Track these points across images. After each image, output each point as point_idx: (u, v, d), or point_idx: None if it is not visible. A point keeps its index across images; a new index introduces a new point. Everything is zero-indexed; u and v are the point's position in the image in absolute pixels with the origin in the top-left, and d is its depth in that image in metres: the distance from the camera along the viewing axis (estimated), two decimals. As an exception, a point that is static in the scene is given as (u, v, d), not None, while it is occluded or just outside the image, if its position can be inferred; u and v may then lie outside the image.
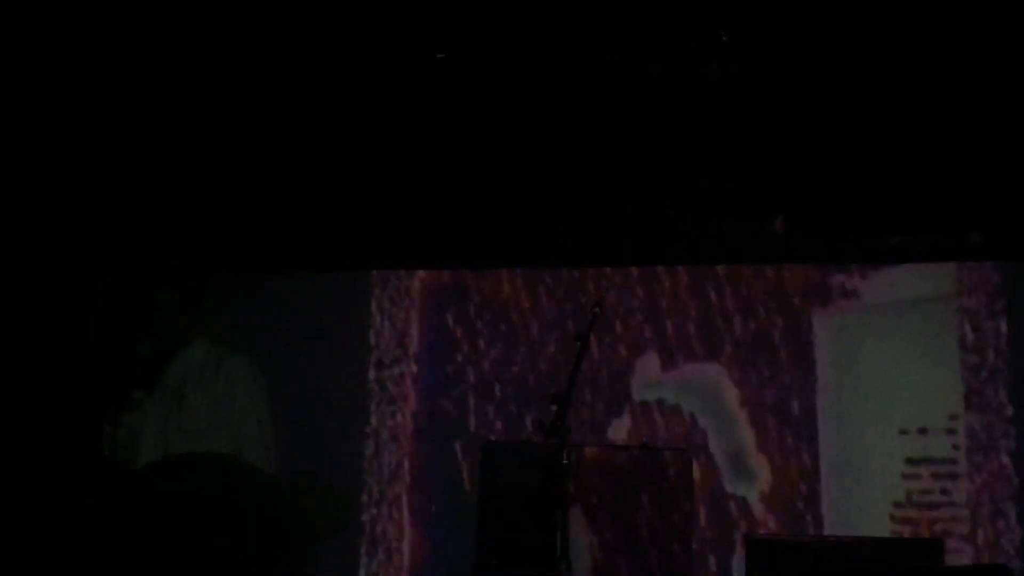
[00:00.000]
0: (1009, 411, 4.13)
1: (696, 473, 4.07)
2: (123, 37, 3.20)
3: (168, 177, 4.14)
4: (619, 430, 4.43)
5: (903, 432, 4.20)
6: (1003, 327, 4.18)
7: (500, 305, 4.58)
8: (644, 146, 4.19)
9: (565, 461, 3.07)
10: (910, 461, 4.18)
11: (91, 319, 3.44)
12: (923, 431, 4.20)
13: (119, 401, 3.01)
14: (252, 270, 4.63)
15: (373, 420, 4.61)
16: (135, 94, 3.53)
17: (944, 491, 4.14)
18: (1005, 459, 4.12)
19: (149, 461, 2.94)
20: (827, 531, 4.15)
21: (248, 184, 4.36)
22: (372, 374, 4.63)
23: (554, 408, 3.12)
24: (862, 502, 4.19)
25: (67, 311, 3.39)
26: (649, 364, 4.51)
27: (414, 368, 4.62)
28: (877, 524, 4.12)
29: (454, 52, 3.53)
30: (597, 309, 3.43)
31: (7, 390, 3.12)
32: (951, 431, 4.16)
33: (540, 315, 4.55)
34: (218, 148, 4.11)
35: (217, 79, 3.61)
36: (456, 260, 4.63)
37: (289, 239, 4.52)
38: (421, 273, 4.67)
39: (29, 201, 3.40)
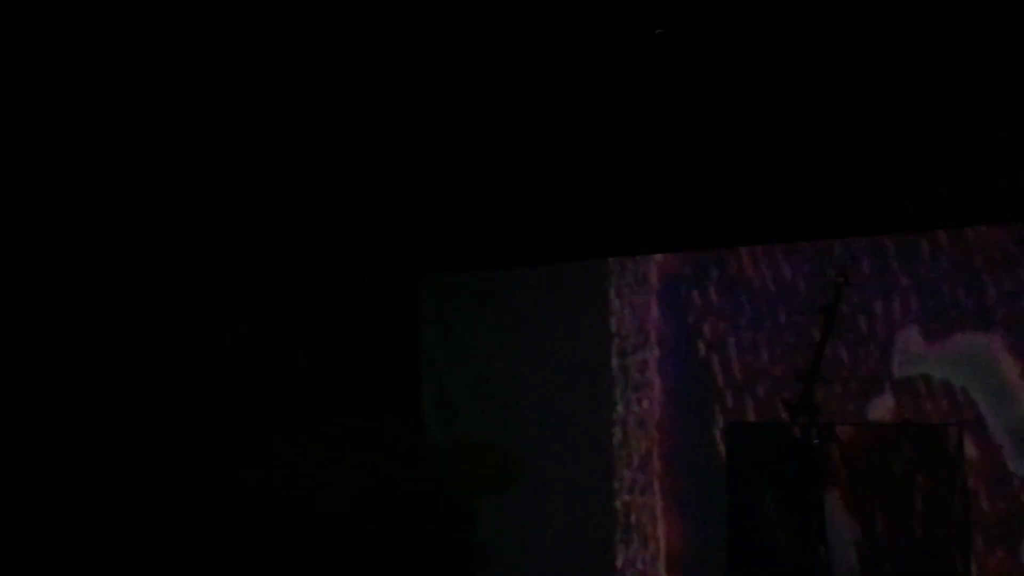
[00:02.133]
0: None
1: (971, 452, 3.73)
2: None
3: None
4: (879, 409, 4.15)
5: None
6: None
7: (741, 283, 4.43)
8: (888, 105, 3.90)
9: (816, 441, 2.94)
10: None
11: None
12: None
13: None
14: (490, 266, 4.75)
15: (619, 408, 4.60)
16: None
17: None
18: None
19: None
20: None
21: (484, 180, 4.48)
22: (615, 362, 4.61)
23: (801, 385, 2.99)
24: None
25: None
26: (910, 337, 4.18)
27: (657, 353, 4.56)
28: None
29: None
30: (842, 279, 3.24)
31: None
32: None
33: (784, 290, 4.35)
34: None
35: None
36: (692, 241, 4.52)
37: (523, 232, 4.60)
38: (658, 257, 4.61)
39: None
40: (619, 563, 4.54)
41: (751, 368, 4.36)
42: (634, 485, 4.54)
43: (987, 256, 4.07)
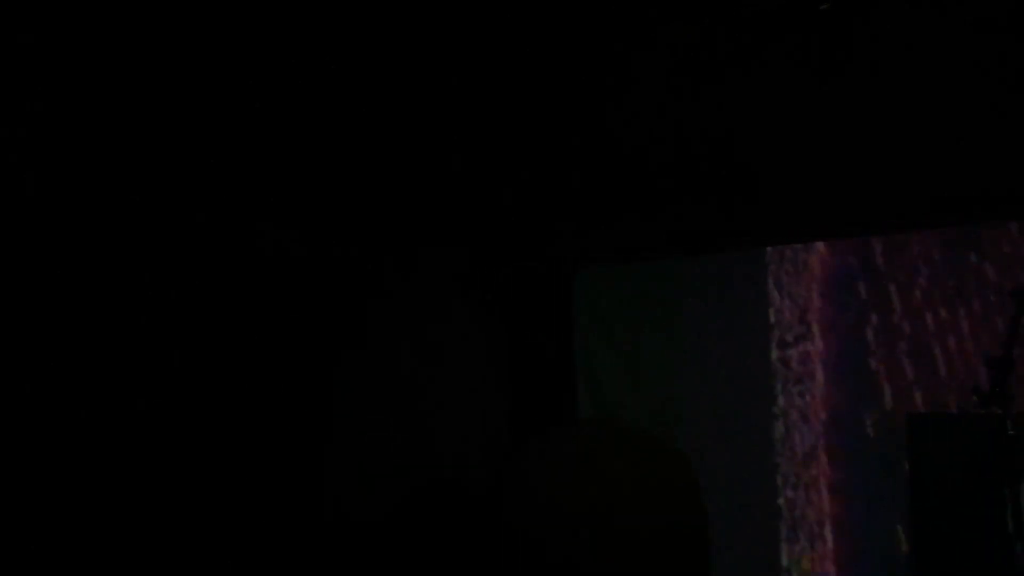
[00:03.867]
0: None
1: None
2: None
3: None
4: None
5: None
6: None
7: (913, 270, 4.23)
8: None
9: (1011, 432, 2.76)
10: None
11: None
12: None
13: None
14: (649, 256, 4.68)
15: (780, 401, 4.46)
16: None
17: None
18: None
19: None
20: None
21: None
22: (775, 354, 4.48)
23: (992, 373, 2.82)
24: None
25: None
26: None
27: (820, 345, 4.41)
28: None
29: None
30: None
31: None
32: None
33: (956, 274, 4.13)
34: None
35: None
36: (854, 227, 4.34)
37: (676, 222, 4.52)
38: (819, 246, 4.45)
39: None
40: (784, 561, 4.40)
41: (922, 358, 4.17)
42: (799, 481, 4.39)
43: None
